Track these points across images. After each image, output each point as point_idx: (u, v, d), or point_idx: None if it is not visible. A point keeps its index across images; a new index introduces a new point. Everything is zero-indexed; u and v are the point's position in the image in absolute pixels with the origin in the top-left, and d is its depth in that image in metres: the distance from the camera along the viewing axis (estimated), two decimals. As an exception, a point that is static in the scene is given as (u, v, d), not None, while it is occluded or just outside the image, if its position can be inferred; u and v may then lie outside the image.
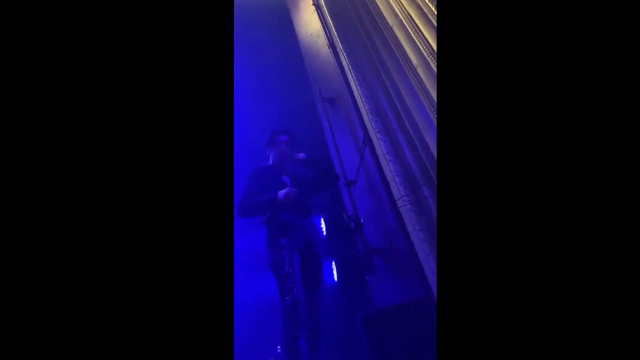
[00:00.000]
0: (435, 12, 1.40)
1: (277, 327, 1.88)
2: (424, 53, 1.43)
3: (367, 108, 1.94)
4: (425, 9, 1.46)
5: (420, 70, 1.46)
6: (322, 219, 3.48)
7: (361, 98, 2.00)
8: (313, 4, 2.78)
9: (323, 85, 2.71)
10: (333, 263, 3.46)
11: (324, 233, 3.46)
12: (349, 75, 2.15)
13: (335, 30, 2.42)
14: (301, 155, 2.31)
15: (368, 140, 1.92)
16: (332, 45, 2.40)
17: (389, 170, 1.73)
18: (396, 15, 1.65)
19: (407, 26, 1.56)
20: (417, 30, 1.49)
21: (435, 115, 1.36)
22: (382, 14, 1.78)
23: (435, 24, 1.39)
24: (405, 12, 1.58)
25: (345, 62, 2.22)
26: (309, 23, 3.05)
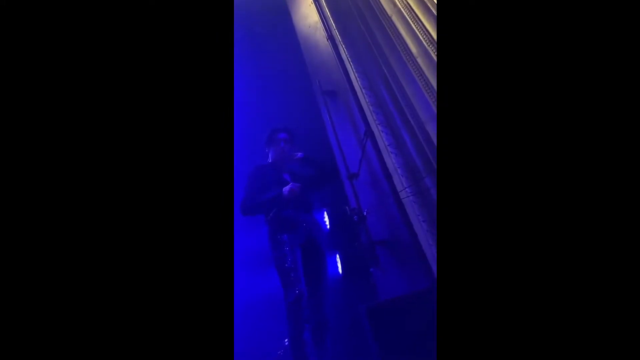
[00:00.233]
0: (435, 0, 1.38)
1: (283, 322, 1.90)
2: (424, 42, 1.42)
3: (367, 100, 1.93)
4: (424, -3, 1.44)
5: (420, 60, 1.44)
6: (325, 213, 3.48)
7: (361, 90, 1.99)
8: (310, -4, 2.74)
9: (323, 78, 2.69)
10: (337, 256, 3.46)
11: (328, 227, 3.46)
12: (349, 67, 2.13)
13: (334, 22, 2.40)
14: (299, 154, 2.31)
15: (369, 133, 1.91)
16: (330, 37, 2.38)
17: (391, 162, 1.72)
18: (395, 4, 1.63)
19: (406, 15, 1.54)
20: (417, 19, 1.47)
21: (436, 105, 1.35)
22: (381, 4, 1.76)
23: (435, 12, 1.37)
24: (404, 1, 1.56)
25: (344, 54, 2.20)
26: (307, 15, 3.02)
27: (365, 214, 2.16)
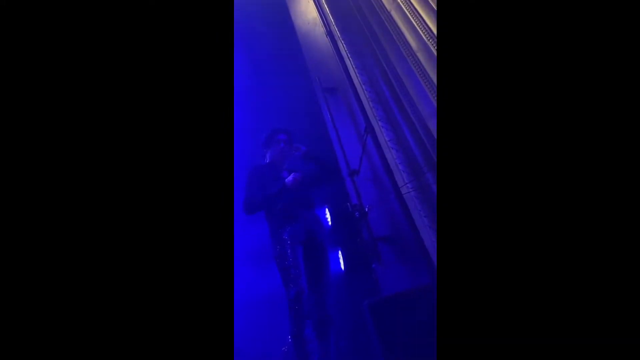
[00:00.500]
0: (434, -6, 1.37)
1: (285, 318, 1.91)
2: (424, 37, 1.41)
3: (367, 96, 1.92)
4: (423, -8, 1.43)
5: (420, 55, 1.44)
6: (326, 210, 3.49)
7: (361, 86, 1.98)
8: (309, -8, 2.73)
9: (322, 74, 2.68)
10: (339, 252, 3.47)
11: (329, 223, 3.47)
12: (348, 64, 2.12)
13: (333, 18, 2.39)
14: (301, 148, 2.32)
15: (370, 129, 1.90)
16: (330, 33, 2.37)
17: (392, 157, 1.72)
18: (394, -1, 1.62)
19: (406, 10, 1.53)
20: (416, 13, 1.46)
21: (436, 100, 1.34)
22: (380, -1, 1.75)
23: (434, 7, 1.36)
24: (403, -4, 1.55)
25: (344, 50, 2.20)
26: (306, 12, 3.01)
27: (366, 210, 2.16)
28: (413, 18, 1.48)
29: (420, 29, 1.43)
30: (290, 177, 2.10)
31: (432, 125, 1.41)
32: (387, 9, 1.69)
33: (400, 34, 1.57)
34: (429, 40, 1.39)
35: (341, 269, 3.43)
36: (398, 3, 1.59)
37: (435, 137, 1.40)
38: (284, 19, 3.46)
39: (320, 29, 2.59)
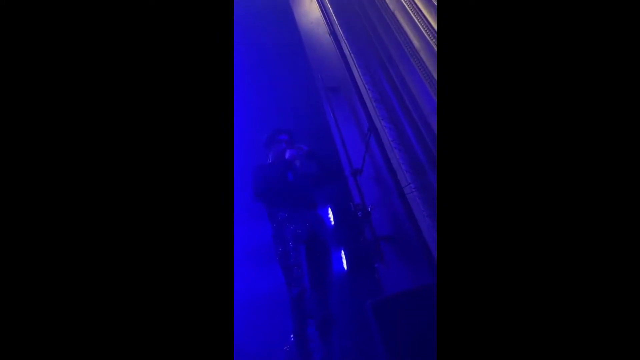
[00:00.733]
0: (437, -6, 1.37)
1: (287, 317, 1.91)
2: (427, 36, 1.41)
3: (370, 95, 1.92)
4: (426, -9, 1.43)
5: (423, 55, 1.43)
6: (329, 209, 3.49)
7: (364, 86, 1.98)
8: (313, -8, 2.73)
9: (325, 74, 2.68)
10: (342, 252, 3.47)
11: (332, 223, 3.47)
12: (352, 63, 2.12)
13: (336, 18, 2.39)
14: (304, 147, 2.32)
15: (373, 128, 1.90)
16: (333, 33, 2.37)
17: (395, 157, 1.72)
18: (397, -1, 1.62)
19: (409, 9, 1.53)
20: (419, 13, 1.46)
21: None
22: (383, -1, 1.75)
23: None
24: (407, -4, 1.55)
25: (347, 50, 2.20)
26: (309, 11, 3.01)
27: (369, 209, 2.16)
28: (416, 17, 1.48)
29: (424, 28, 1.43)
30: (287, 154, 2.18)
31: (435, 125, 1.41)
32: (390, 9, 1.69)
33: (404, 33, 1.57)
34: (432, 40, 1.38)
35: (344, 268, 3.43)
36: (402, 3, 1.59)
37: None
38: (286, 18, 3.46)
39: (323, 29, 2.59)
